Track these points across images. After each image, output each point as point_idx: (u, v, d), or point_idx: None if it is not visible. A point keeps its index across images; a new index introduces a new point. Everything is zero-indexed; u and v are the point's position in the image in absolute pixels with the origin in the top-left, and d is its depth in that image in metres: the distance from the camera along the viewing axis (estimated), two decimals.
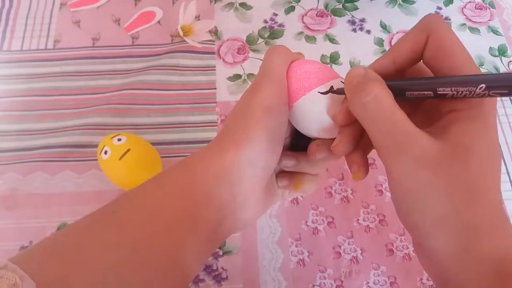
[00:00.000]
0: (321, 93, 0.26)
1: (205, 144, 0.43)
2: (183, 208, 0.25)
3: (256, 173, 0.26)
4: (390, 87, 0.22)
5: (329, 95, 0.26)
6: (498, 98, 0.42)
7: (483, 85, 0.20)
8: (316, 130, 0.27)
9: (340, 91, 0.26)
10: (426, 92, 0.22)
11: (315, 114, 0.26)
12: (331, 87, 0.26)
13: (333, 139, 0.27)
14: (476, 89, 0.20)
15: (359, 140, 0.25)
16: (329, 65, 0.28)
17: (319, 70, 0.27)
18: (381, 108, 0.21)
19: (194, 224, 0.24)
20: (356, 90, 0.22)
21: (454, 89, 0.21)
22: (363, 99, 0.22)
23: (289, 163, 0.29)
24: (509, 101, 0.46)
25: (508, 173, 0.42)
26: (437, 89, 0.21)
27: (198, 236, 0.25)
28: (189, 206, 0.25)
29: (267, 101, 0.25)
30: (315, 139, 0.28)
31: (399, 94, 0.22)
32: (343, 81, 0.26)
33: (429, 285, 0.38)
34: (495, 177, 0.21)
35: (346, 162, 0.27)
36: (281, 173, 0.30)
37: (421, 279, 0.38)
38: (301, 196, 0.41)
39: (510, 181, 0.42)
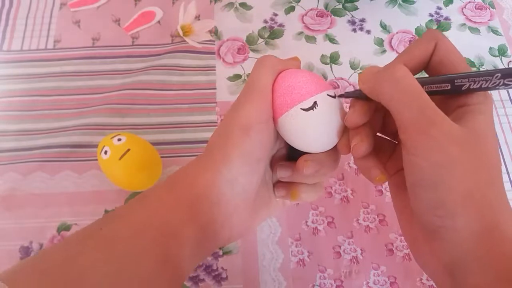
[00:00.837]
0: (303, 109, 0.25)
1: (205, 145, 0.43)
2: (167, 224, 0.25)
3: (236, 194, 0.26)
4: None
5: (312, 111, 0.25)
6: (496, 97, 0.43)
7: (499, 74, 0.22)
8: (302, 146, 0.26)
9: (349, 95, 0.26)
10: (443, 85, 0.23)
11: (299, 130, 0.26)
12: (314, 102, 0.25)
13: (322, 153, 0.27)
14: (492, 78, 0.22)
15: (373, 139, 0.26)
16: (320, 76, 0.28)
17: (304, 83, 0.26)
18: (413, 83, 0.22)
19: (177, 241, 0.25)
20: (385, 69, 0.24)
21: (472, 79, 0.23)
22: (396, 74, 0.23)
23: (284, 174, 0.28)
24: (509, 101, 0.46)
25: (508, 173, 0.42)
26: (455, 81, 0.23)
27: (182, 251, 0.25)
28: (174, 223, 0.25)
29: (246, 119, 0.25)
30: (306, 152, 0.27)
31: None
32: (330, 94, 0.26)
33: (429, 285, 0.38)
34: (500, 164, 0.23)
35: (360, 170, 0.26)
36: (278, 183, 0.30)
37: (421, 279, 0.38)
38: None
39: (510, 181, 0.42)
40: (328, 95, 0.26)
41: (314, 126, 0.25)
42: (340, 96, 0.27)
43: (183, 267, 0.25)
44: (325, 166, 0.27)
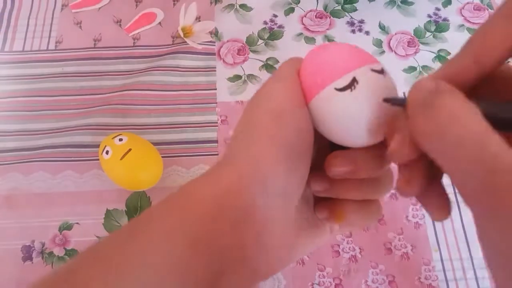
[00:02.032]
0: (338, 89, 0.19)
1: (205, 145, 0.44)
2: (171, 254, 0.18)
3: (272, 200, 0.19)
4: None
5: (351, 91, 0.19)
6: None
7: None
8: (340, 137, 0.20)
9: (396, 101, 0.19)
10: None
11: (334, 117, 0.20)
12: (353, 78, 0.19)
13: (360, 148, 0.20)
14: None
15: (429, 175, 0.18)
16: (362, 48, 0.21)
17: (339, 56, 0.20)
18: (464, 129, 0.14)
19: (190, 276, 0.18)
20: (423, 106, 0.15)
21: None
22: (438, 119, 0.15)
23: (319, 186, 0.21)
24: None
25: None
26: None
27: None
28: (180, 253, 0.18)
29: (275, 103, 0.20)
30: (346, 148, 0.21)
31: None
32: (375, 68, 0.20)
33: (427, 284, 0.38)
34: None
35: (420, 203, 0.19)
36: (319, 201, 0.22)
37: (419, 278, 0.38)
38: None
39: None
40: (372, 70, 0.20)
41: (354, 111, 0.19)
42: (386, 100, 0.19)
43: None
44: (364, 167, 0.20)
